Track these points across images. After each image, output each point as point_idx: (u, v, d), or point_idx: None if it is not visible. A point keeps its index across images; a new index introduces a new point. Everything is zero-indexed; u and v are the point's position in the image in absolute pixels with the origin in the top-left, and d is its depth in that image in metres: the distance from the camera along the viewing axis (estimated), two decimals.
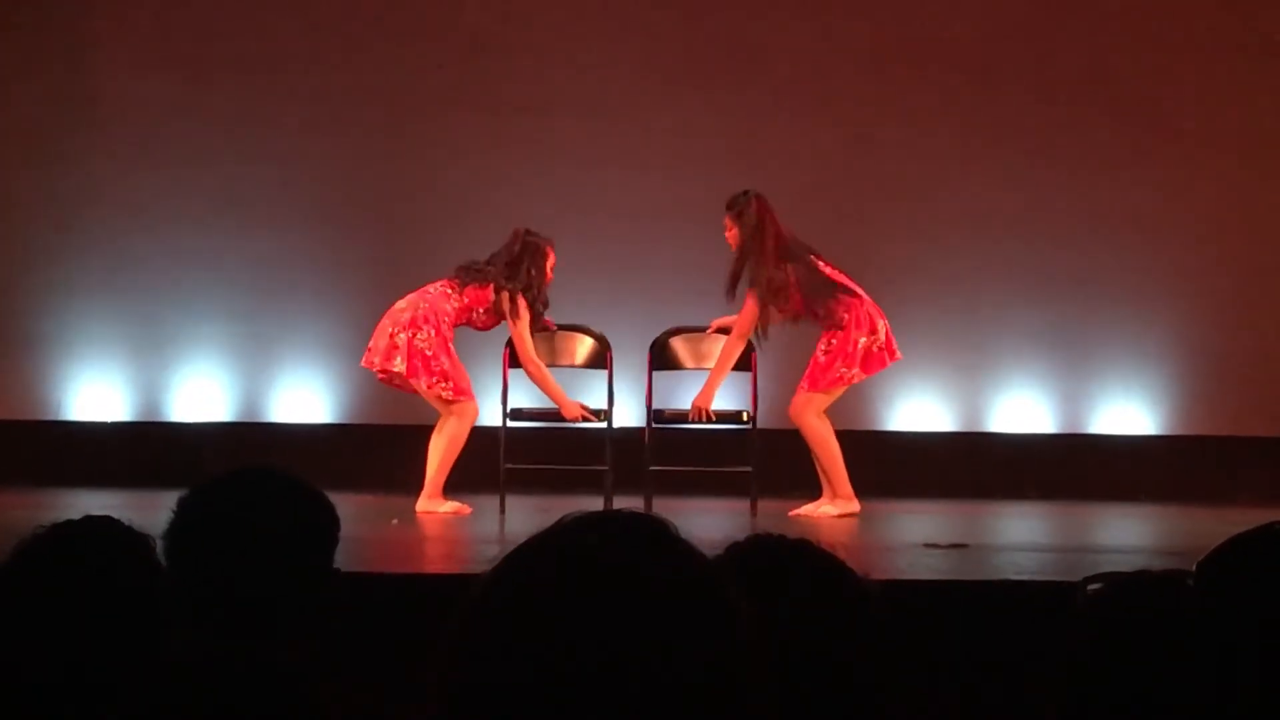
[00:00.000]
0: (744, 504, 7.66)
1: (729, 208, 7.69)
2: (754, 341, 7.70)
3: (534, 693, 1.37)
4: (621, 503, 7.61)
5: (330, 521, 2.59)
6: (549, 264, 7.72)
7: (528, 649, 1.37)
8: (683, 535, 1.47)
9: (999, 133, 9.42)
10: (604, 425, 7.79)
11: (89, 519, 2.47)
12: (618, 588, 1.38)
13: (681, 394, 8.06)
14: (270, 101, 9.39)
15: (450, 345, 7.64)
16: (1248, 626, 2.05)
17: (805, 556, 2.16)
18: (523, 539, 1.45)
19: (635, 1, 9.50)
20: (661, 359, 7.97)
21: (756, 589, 2.04)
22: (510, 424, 7.78)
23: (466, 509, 7.59)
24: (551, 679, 1.37)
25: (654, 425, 7.86)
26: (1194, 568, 2.21)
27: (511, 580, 1.41)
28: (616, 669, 1.37)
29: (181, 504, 2.58)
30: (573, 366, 8.10)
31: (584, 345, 7.93)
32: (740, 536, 2.12)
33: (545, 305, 7.81)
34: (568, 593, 1.38)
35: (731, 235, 7.66)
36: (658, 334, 8.12)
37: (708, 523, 7.43)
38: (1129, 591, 2.43)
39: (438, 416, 7.68)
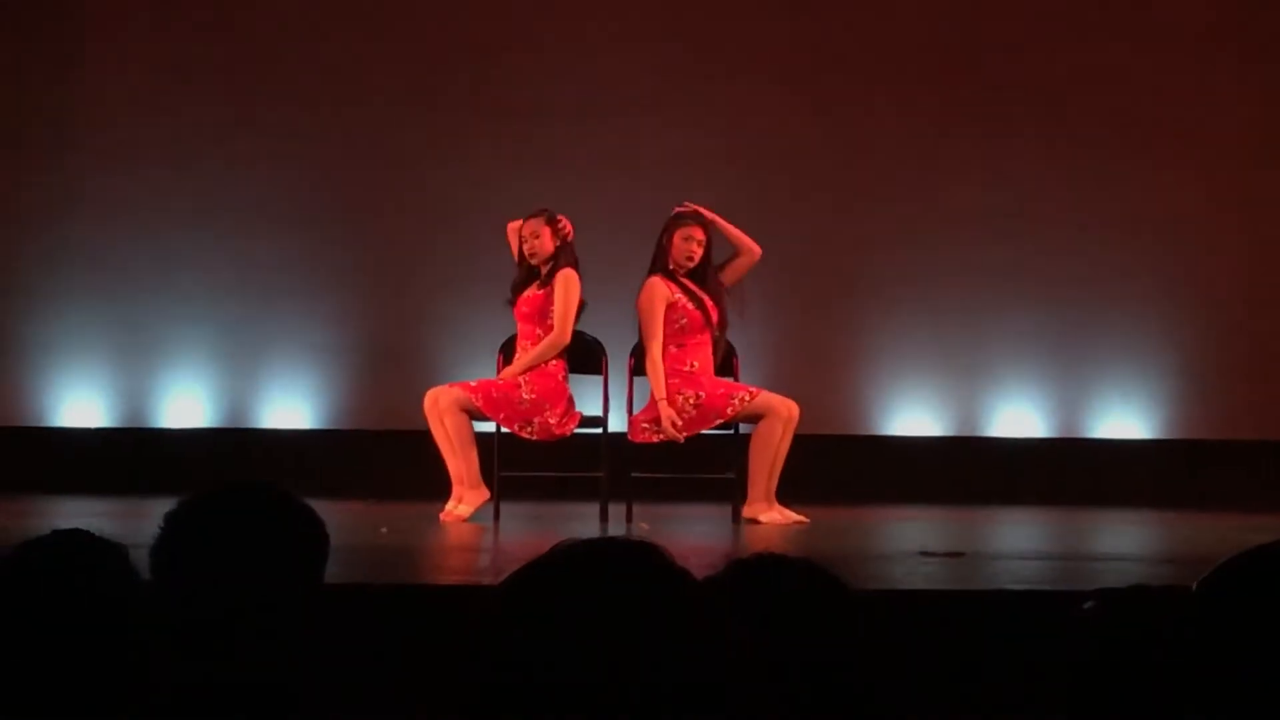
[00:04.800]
0: (726, 510, 7.61)
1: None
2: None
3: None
4: (613, 510, 7.57)
5: (319, 538, 2.55)
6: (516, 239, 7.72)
7: (522, 682, 1.36)
8: (675, 561, 1.45)
9: (994, 134, 9.40)
10: (600, 431, 7.74)
11: (57, 533, 2.42)
12: (611, 618, 1.37)
13: None
14: (256, 104, 9.35)
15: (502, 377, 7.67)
16: (1249, 649, 2.01)
17: (805, 575, 2.15)
18: (515, 548, 1.43)
19: (625, 3, 9.46)
20: (642, 364, 7.85)
21: (756, 607, 2.02)
22: (504, 431, 7.70)
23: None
24: (548, 709, 1.35)
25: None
26: (1194, 586, 2.16)
27: (504, 615, 1.39)
28: (611, 697, 1.35)
29: (168, 519, 2.53)
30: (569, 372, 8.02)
31: (578, 349, 7.85)
32: (742, 553, 2.10)
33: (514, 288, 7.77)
34: (560, 626, 1.36)
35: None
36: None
37: (695, 531, 7.39)
38: (1125, 609, 2.40)
39: (423, 422, 7.59)
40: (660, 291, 7.60)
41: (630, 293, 7.71)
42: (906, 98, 9.38)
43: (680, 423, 7.47)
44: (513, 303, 7.72)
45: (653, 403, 7.58)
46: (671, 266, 7.63)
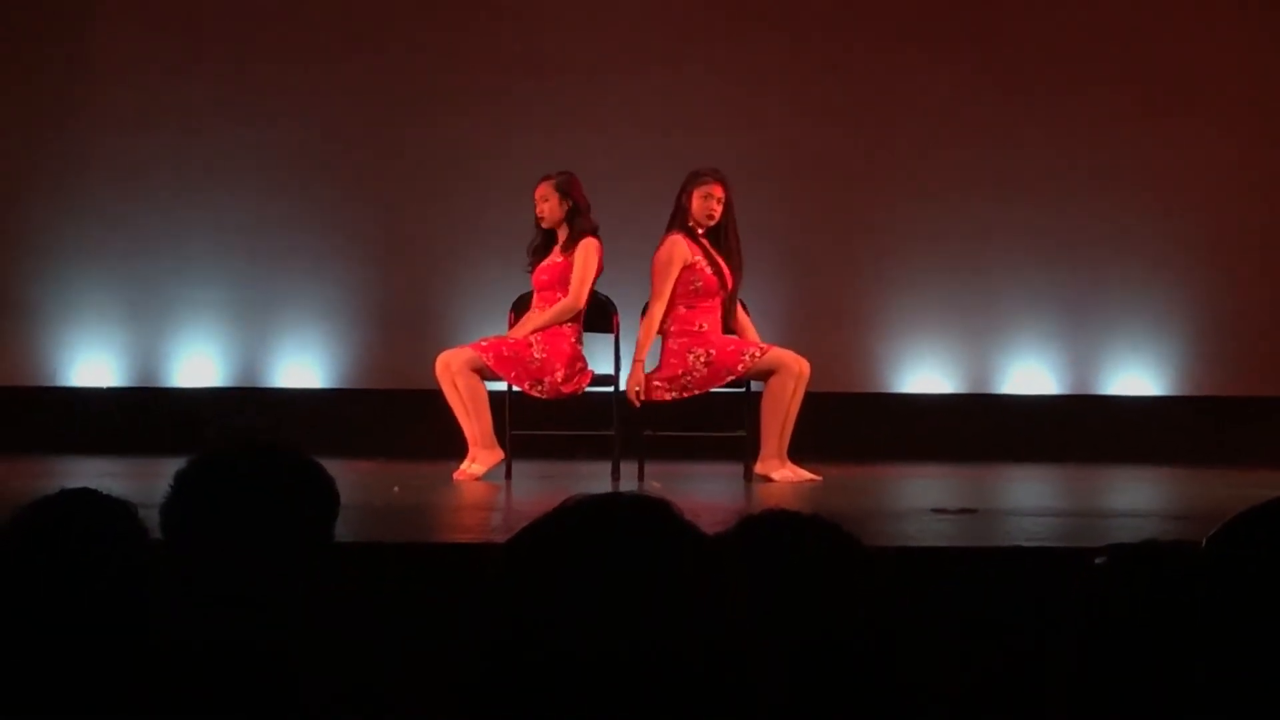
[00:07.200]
0: (738, 468, 7.61)
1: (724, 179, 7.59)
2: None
3: (542, 675, 1.37)
4: (625, 468, 7.57)
5: (330, 496, 2.54)
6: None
7: (531, 636, 1.36)
8: (685, 517, 1.45)
9: (1006, 93, 9.36)
10: (611, 390, 7.73)
11: (64, 492, 2.42)
12: (620, 573, 1.37)
13: None
14: (266, 62, 9.33)
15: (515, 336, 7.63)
16: (1258, 603, 2.01)
17: (816, 532, 2.15)
18: (526, 507, 1.42)
19: None
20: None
21: (767, 564, 2.02)
22: (515, 389, 7.70)
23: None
24: (558, 663, 1.36)
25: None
26: (1203, 542, 2.16)
27: (512, 568, 1.39)
28: (620, 652, 1.35)
29: (178, 478, 2.52)
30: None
31: (590, 308, 7.84)
32: (753, 510, 2.10)
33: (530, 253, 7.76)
34: (569, 580, 1.36)
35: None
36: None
37: (706, 489, 7.40)
38: (1136, 564, 2.40)
39: (435, 381, 7.59)
40: (680, 251, 7.53)
41: (644, 250, 7.69)
42: (920, 57, 9.34)
43: (643, 393, 7.46)
44: (531, 269, 7.69)
45: (664, 361, 7.56)
46: (691, 224, 7.57)
